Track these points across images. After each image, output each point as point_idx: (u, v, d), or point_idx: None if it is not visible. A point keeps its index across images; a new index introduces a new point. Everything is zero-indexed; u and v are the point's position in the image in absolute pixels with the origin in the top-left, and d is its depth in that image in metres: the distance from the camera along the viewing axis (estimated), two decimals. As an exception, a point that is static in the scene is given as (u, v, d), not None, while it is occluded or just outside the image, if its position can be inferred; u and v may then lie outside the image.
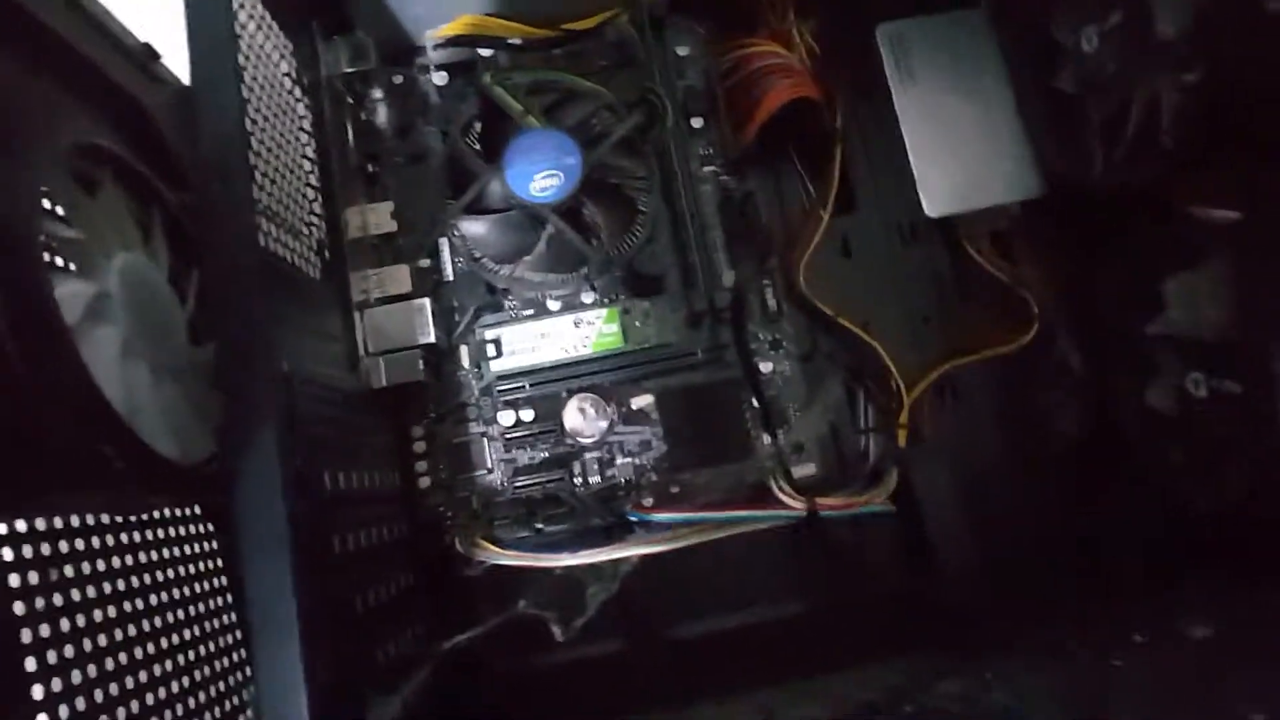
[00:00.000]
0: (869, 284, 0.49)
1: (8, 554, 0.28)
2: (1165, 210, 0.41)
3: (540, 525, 0.45)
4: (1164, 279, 0.41)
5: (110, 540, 0.33)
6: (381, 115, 0.49)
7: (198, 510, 0.40)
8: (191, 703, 0.35)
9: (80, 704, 0.29)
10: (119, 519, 0.34)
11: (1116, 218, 0.44)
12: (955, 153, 0.49)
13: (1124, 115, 0.42)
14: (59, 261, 0.35)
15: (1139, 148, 0.42)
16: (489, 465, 0.45)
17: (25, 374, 0.28)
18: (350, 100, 0.48)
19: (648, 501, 0.45)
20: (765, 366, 0.46)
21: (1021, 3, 0.46)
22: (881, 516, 0.44)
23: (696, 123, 0.48)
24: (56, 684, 0.28)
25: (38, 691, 0.28)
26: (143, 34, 0.45)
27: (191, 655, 0.36)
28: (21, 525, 0.29)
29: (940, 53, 0.50)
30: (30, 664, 0.28)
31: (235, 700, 0.38)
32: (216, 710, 0.36)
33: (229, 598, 0.40)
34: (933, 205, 0.48)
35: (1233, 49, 0.36)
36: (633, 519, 0.43)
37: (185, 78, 0.49)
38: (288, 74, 0.42)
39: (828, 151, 0.48)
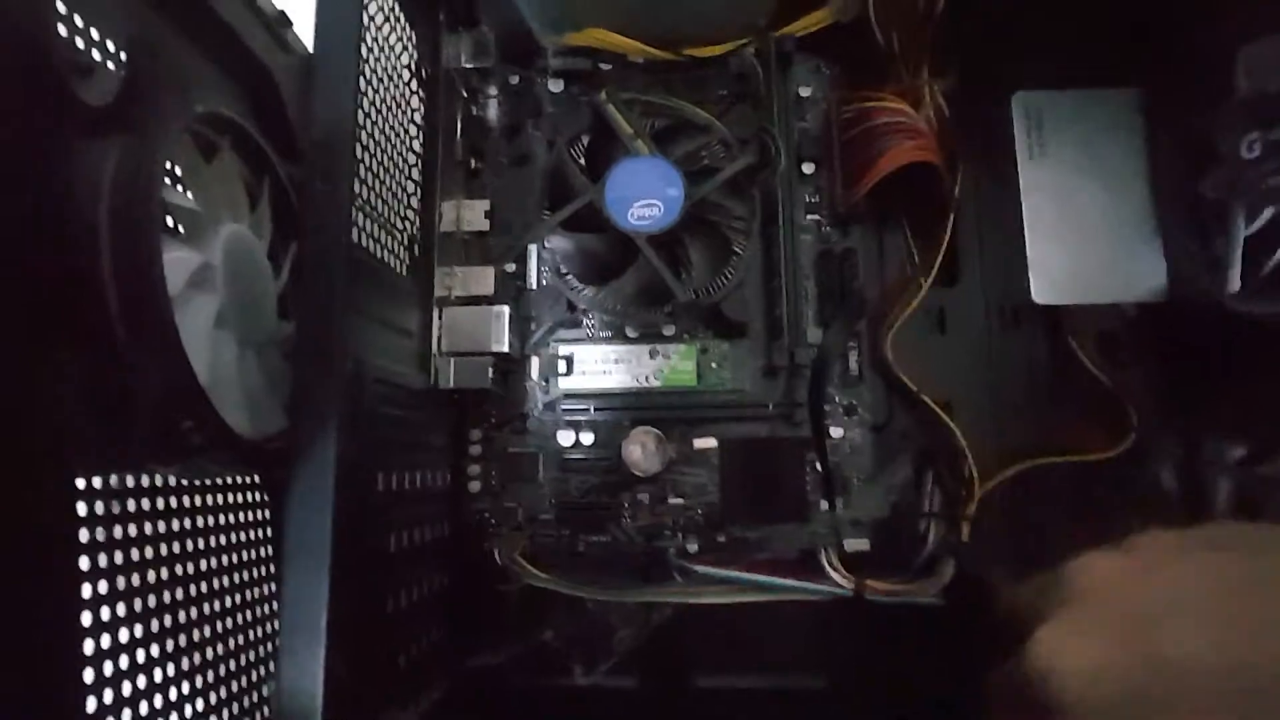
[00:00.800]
0: (959, 363, 0.47)
1: (82, 509, 0.29)
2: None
3: (581, 550, 0.44)
4: (1288, 420, 0.37)
5: (173, 502, 0.35)
6: (492, 113, 0.49)
7: (256, 479, 0.41)
8: (223, 670, 0.36)
9: (124, 662, 0.30)
10: (183, 482, 0.35)
11: (1243, 343, 0.41)
12: (1076, 239, 0.46)
13: (1275, 236, 0.39)
14: (170, 224, 0.36)
15: (1285, 273, 0.39)
16: (540, 480, 0.45)
17: (126, 341, 0.29)
18: (464, 94, 0.48)
19: (692, 547, 0.44)
20: (836, 431, 0.44)
21: (1183, 94, 0.43)
22: (930, 609, 0.42)
23: (807, 168, 0.47)
24: (105, 640, 0.30)
25: (89, 646, 0.29)
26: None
27: (230, 623, 0.37)
28: (98, 482, 0.30)
29: (1078, 131, 0.47)
30: (86, 618, 0.29)
31: (262, 671, 0.39)
32: (244, 680, 0.37)
33: (271, 568, 0.41)
34: (1042, 291, 0.46)
35: None
36: (674, 565, 0.42)
37: (311, 45, 0.51)
38: (408, 66, 0.42)
39: (940, 219, 0.46)
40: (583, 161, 0.46)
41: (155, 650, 0.32)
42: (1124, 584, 0.25)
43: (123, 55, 0.34)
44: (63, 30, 0.31)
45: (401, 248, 0.39)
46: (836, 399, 0.45)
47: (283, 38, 0.47)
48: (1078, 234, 0.46)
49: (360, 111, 0.33)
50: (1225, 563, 0.24)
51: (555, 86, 0.48)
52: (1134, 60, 0.47)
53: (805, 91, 0.48)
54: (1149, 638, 0.23)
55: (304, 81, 0.49)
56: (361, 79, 0.34)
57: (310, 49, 0.50)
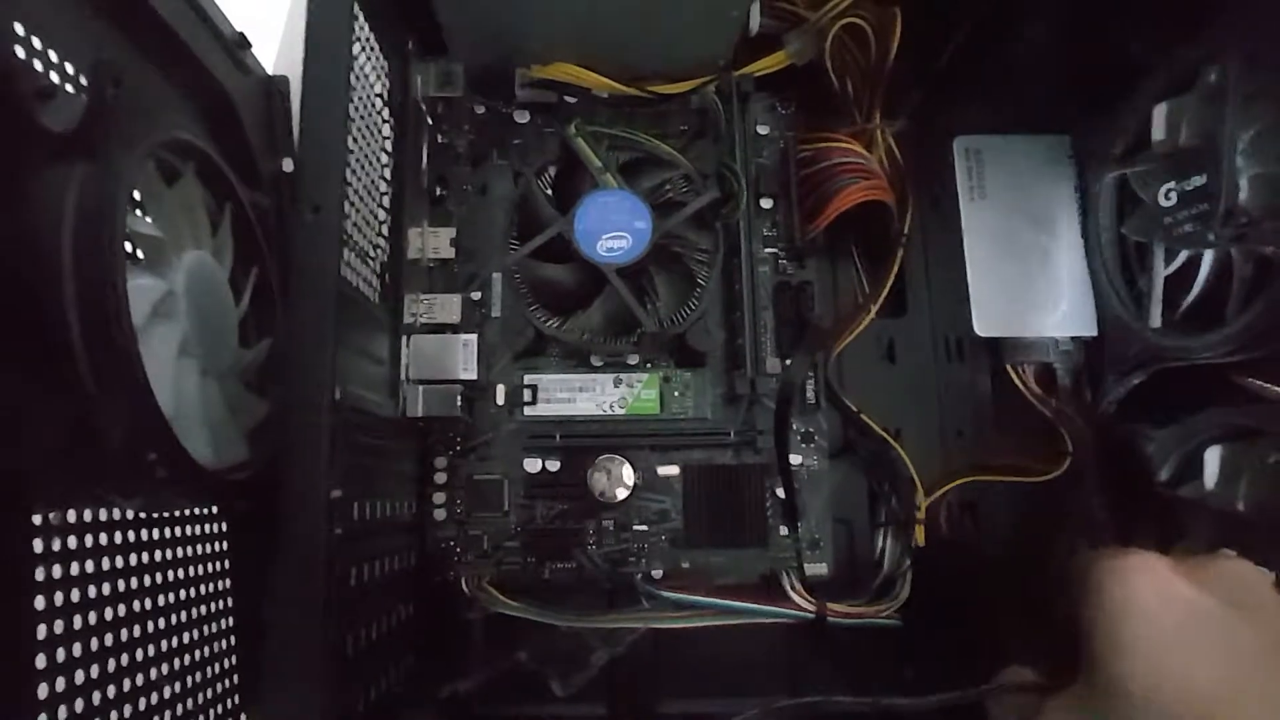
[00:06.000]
0: (908, 391, 0.49)
1: (39, 546, 0.28)
2: (1221, 378, 0.41)
3: (547, 577, 0.45)
4: (1208, 446, 0.41)
5: (131, 536, 0.33)
6: (458, 142, 0.49)
7: (214, 510, 0.40)
8: (179, 709, 0.35)
9: (79, 705, 0.29)
10: (141, 516, 0.34)
11: (1167, 374, 0.44)
12: (1014, 276, 0.49)
13: (1190, 276, 0.43)
14: (132, 251, 0.35)
15: (1202, 310, 0.42)
16: (506, 508, 0.45)
17: (89, 372, 0.29)
18: (430, 122, 0.48)
19: (657, 573, 0.45)
20: (794, 459, 0.46)
21: (1108, 144, 0.46)
22: (889, 629, 0.44)
23: (766, 203, 0.49)
24: (60, 683, 0.28)
25: (43, 690, 0.28)
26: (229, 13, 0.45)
27: (188, 659, 0.36)
28: (56, 517, 0.29)
29: (1015, 173, 0.51)
30: (40, 661, 0.28)
31: (220, 709, 0.38)
32: (203, 718, 0.36)
33: (229, 602, 0.40)
34: (983, 324, 0.49)
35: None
36: (640, 591, 0.43)
37: (269, 65, 0.50)
38: (380, 94, 0.42)
39: (889, 253, 0.48)
40: (549, 192, 0.47)
41: (111, 691, 0.31)
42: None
43: (84, 80, 0.33)
44: (22, 54, 0.31)
45: (373, 275, 0.39)
46: (795, 426, 0.46)
47: (241, 59, 0.47)
48: (1015, 271, 0.49)
49: (348, 149, 0.34)
50: None
51: (521, 117, 0.49)
52: (1064, 109, 0.51)
53: (763, 129, 0.50)
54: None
55: (263, 104, 0.49)
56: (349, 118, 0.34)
57: (268, 70, 0.50)
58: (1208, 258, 0.42)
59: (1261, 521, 0.37)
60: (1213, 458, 0.40)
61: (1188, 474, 0.41)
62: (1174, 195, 0.43)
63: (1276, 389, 0.39)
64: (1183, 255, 0.43)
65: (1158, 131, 0.44)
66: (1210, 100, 0.41)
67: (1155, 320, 0.44)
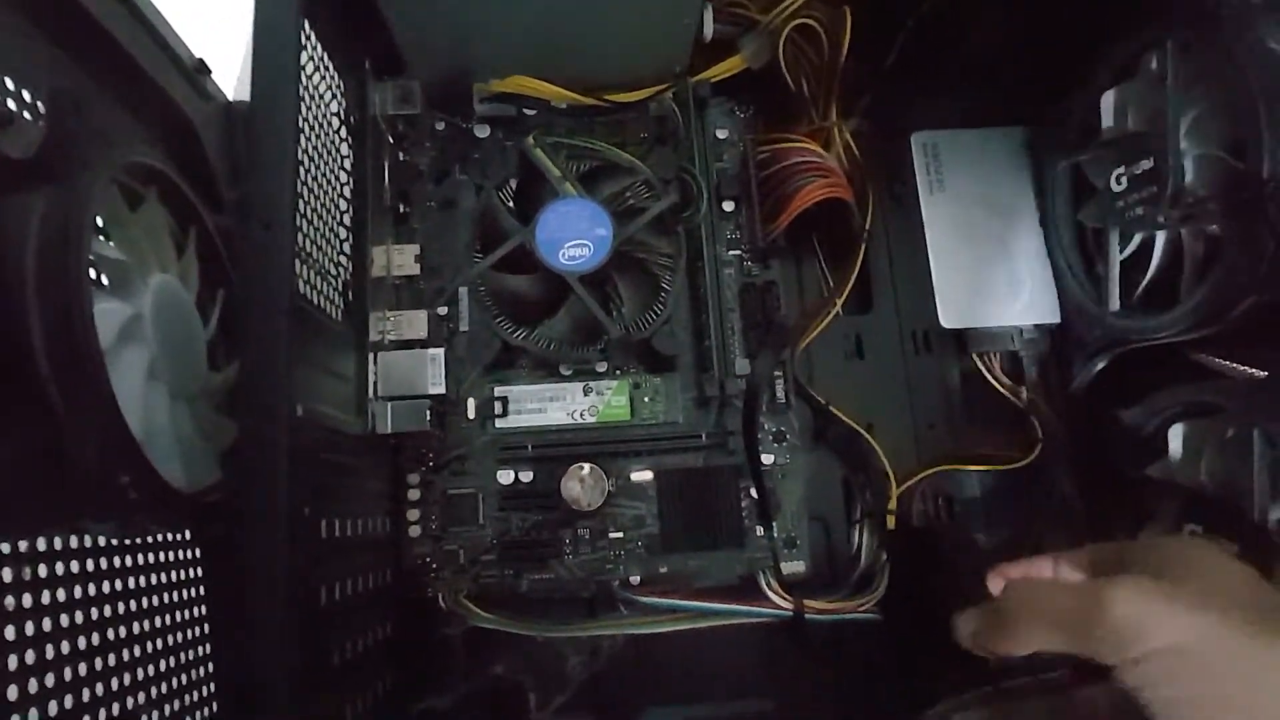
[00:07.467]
0: (878, 386, 0.50)
1: (8, 575, 0.28)
2: (1180, 357, 0.42)
3: (524, 588, 0.45)
4: (1171, 425, 0.41)
5: (103, 563, 0.33)
6: (419, 158, 0.50)
7: (187, 535, 0.40)
8: (155, 734, 0.35)
9: (51, 734, 0.29)
10: (113, 542, 0.34)
11: (1130, 356, 0.45)
12: (976, 267, 0.50)
13: (1145, 258, 0.43)
14: (98, 276, 0.35)
15: (1157, 291, 0.43)
16: (481, 521, 0.45)
17: (58, 398, 0.29)
18: (391, 140, 0.49)
19: (635, 578, 0.45)
20: (767, 458, 0.46)
21: (1061, 133, 0.47)
22: (868, 624, 0.44)
23: (727, 206, 0.49)
24: (34, 715, 0.28)
25: (12, 722, 0.28)
26: (190, 41, 0.45)
27: (164, 687, 0.36)
28: (24, 545, 0.29)
29: (972, 167, 0.52)
30: (12, 692, 0.28)
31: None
32: (178, 744, 0.36)
33: (206, 629, 0.40)
34: (948, 316, 0.49)
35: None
36: (619, 597, 0.43)
37: (230, 91, 0.51)
38: (336, 113, 0.43)
39: (851, 249, 0.49)
40: (511, 204, 0.47)
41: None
42: None
43: (42, 107, 0.33)
44: (-22, 84, 0.31)
45: (335, 293, 0.39)
46: (766, 426, 0.47)
47: (202, 86, 0.47)
48: (977, 262, 0.50)
49: (300, 166, 0.34)
50: None
51: (481, 132, 0.50)
52: (1017, 102, 0.52)
53: (722, 134, 0.51)
54: None
55: (224, 129, 0.49)
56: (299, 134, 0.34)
57: (229, 96, 0.50)
58: (1160, 239, 0.43)
59: (1223, 495, 0.37)
60: (1176, 436, 0.41)
61: (1154, 454, 0.42)
62: (1124, 180, 0.44)
63: (1232, 365, 0.39)
64: (1137, 238, 0.44)
65: (1107, 118, 0.45)
66: (1153, 86, 0.42)
67: (1114, 304, 0.45)
